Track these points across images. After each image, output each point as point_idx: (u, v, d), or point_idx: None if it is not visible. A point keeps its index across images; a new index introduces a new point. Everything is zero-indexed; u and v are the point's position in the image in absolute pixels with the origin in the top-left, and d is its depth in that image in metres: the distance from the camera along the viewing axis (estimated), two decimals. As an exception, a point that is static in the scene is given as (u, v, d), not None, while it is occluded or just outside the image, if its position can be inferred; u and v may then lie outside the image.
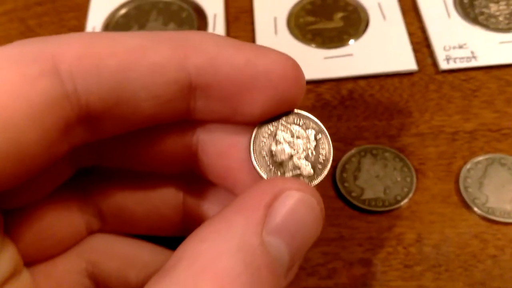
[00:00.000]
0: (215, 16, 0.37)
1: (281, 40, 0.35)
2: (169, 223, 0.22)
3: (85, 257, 0.21)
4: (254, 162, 0.18)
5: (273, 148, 0.18)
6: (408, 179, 0.28)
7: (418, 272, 0.25)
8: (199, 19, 0.37)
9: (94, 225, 0.21)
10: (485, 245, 0.26)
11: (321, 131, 0.19)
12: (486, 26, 0.33)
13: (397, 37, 0.34)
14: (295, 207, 0.16)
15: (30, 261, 0.19)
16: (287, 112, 0.19)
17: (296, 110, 0.19)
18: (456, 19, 0.34)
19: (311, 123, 0.19)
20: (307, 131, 0.19)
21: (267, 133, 0.18)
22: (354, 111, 0.31)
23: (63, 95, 0.15)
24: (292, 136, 0.19)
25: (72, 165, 0.19)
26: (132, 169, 0.21)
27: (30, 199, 0.19)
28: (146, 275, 0.21)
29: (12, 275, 0.18)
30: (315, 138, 0.19)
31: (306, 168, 0.19)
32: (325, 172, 0.19)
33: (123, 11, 0.38)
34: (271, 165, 0.18)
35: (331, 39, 0.34)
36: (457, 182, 0.28)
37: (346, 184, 0.28)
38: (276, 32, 0.35)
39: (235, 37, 0.36)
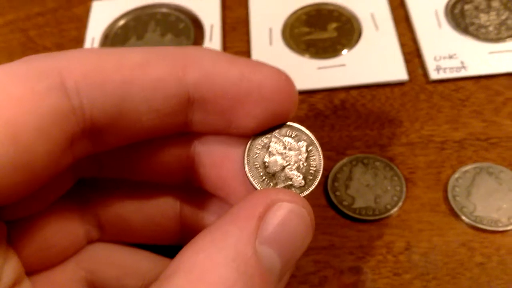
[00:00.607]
0: (211, 26, 0.38)
1: (276, 50, 0.36)
2: (167, 232, 0.23)
3: (84, 266, 0.22)
4: (248, 174, 0.19)
5: (266, 159, 0.19)
6: (398, 188, 0.29)
7: (407, 280, 0.26)
8: (196, 30, 0.38)
9: (93, 235, 0.22)
10: (472, 253, 0.26)
11: (312, 143, 0.20)
12: (476, 36, 0.34)
13: (389, 48, 0.34)
14: (286, 218, 0.17)
15: (31, 271, 0.20)
16: (280, 125, 0.19)
17: (288, 123, 0.19)
18: (447, 29, 0.35)
19: (303, 135, 0.20)
20: (299, 143, 0.19)
21: (261, 145, 0.19)
22: (346, 120, 0.32)
23: (70, 110, 0.16)
24: (285, 148, 0.19)
25: (74, 176, 0.20)
26: (131, 179, 0.21)
27: (33, 210, 0.19)
28: (144, 284, 0.22)
29: (14, 284, 0.18)
30: (307, 150, 0.19)
31: (297, 179, 0.19)
32: (316, 182, 0.19)
33: (122, 22, 0.39)
34: (264, 176, 0.19)
35: (325, 49, 0.35)
36: (445, 191, 0.28)
37: (337, 193, 0.29)
38: (271, 42, 0.36)
39: (231, 47, 0.37)
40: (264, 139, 0.19)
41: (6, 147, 0.15)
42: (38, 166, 0.16)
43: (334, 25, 0.36)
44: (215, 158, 0.20)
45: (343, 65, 0.34)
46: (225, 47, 0.37)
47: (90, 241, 0.22)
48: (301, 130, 0.20)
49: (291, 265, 0.18)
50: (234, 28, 0.38)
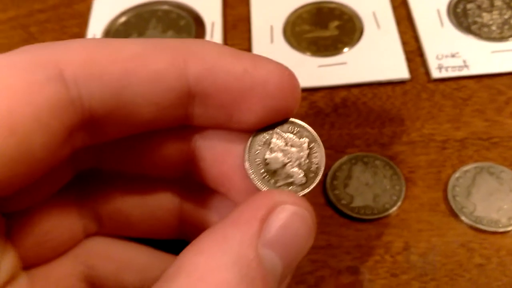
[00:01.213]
0: (213, 24, 0.38)
1: (277, 48, 0.35)
2: (166, 227, 0.22)
3: (82, 261, 0.22)
4: (248, 170, 0.19)
5: (267, 156, 0.19)
6: (398, 187, 0.28)
7: (404, 281, 0.26)
8: (197, 27, 0.38)
9: (91, 228, 0.22)
10: (471, 254, 0.26)
11: (314, 140, 0.19)
12: (478, 35, 0.34)
13: (390, 46, 0.34)
14: (289, 221, 0.17)
15: (28, 265, 0.20)
16: (283, 121, 0.19)
17: (291, 119, 0.19)
18: (449, 28, 0.34)
19: (305, 131, 0.19)
20: (301, 139, 0.19)
21: (262, 141, 0.19)
22: (346, 119, 0.32)
23: (68, 101, 0.16)
24: (286, 144, 0.19)
25: (72, 168, 0.20)
26: (130, 173, 0.21)
27: (31, 202, 0.19)
28: (142, 279, 0.22)
29: (11, 278, 0.18)
30: (308, 147, 0.19)
31: (299, 176, 0.19)
32: (317, 180, 0.19)
33: (123, 19, 0.39)
34: (265, 173, 0.19)
35: (326, 47, 0.35)
36: (445, 190, 0.28)
37: (336, 192, 0.29)
38: (272, 40, 0.36)
39: (232, 45, 0.37)
40: (265, 135, 0.19)
41: (4, 139, 0.15)
42: (36, 157, 0.16)
43: (335, 23, 0.36)
44: (216, 153, 0.20)
45: (344, 63, 0.34)
46: (226, 44, 0.36)
47: (88, 235, 0.22)
48: (303, 126, 0.19)
49: (293, 268, 0.18)
50: (235, 25, 0.38)
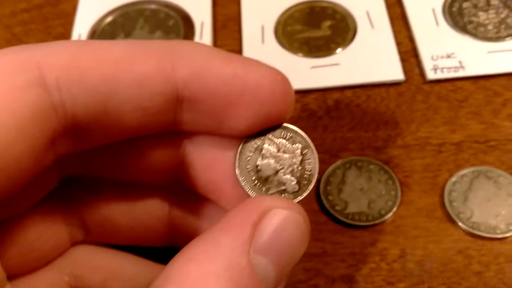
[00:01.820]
0: (202, 24, 0.37)
1: (268, 48, 0.34)
2: (155, 234, 0.22)
3: (68, 271, 0.21)
4: (239, 178, 0.18)
5: (259, 162, 0.18)
6: (393, 193, 0.28)
7: (401, 289, 0.25)
8: (186, 27, 0.37)
9: (78, 236, 0.21)
10: (469, 261, 0.25)
11: (307, 146, 0.19)
12: (474, 35, 0.33)
13: (384, 46, 0.33)
14: (281, 225, 0.16)
15: (12, 274, 0.19)
16: (275, 126, 0.18)
17: (284, 124, 0.18)
18: (445, 27, 0.33)
19: (298, 137, 0.19)
20: (293, 145, 0.18)
21: (253, 147, 0.18)
22: (340, 121, 0.31)
23: (50, 106, 0.15)
24: (278, 150, 0.18)
25: (57, 175, 0.19)
26: (117, 179, 0.20)
27: (15, 211, 0.18)
28: None
29: None
30: (301, 153, 0.18)
31: (291, 183, 0.18)
32: (310, 187, 0.18)
33: (109, 18, 0.38)
34: (256, 180, 0.18)
35: (318, 48, 0.34)
36: (442, 195, 0.27)
37: (330, 198, 0.28)
38: (263, 40, 0.35)
39: (222, 45, 0.36)
40: (257, 141, 0.18)
41: None
42: (17, 166, 0.15)
43: (328, 23, 0.35)
44: (206, 159, 0.19)
45: (337, 64, 0.33)
46: (216, 45, 0.36)
47: (75, 243, 0.21)
48: (296, 131, 0.18)
49: (286, 274, 0.17)
50: (225, 25, 0.37)
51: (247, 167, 0.18)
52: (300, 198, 0.18)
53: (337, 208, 0.27)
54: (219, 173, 0.19)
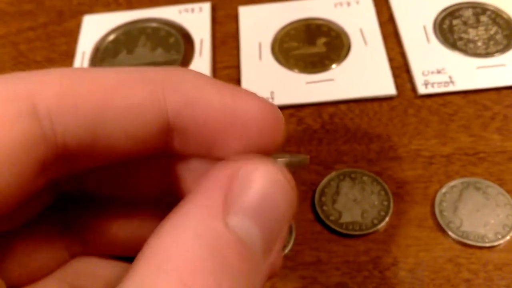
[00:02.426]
0: (201, 41, 0.38)
1: (265, 64, 0.36)
2: None
3: (69, 281, 0.21)
4: None
5: None
6: (385, 203, 0.28)
7: (393, 296, 0.26)
8: (186, 44, 0.38)
9: (77, 250, 0.22)
10: (459, 269, 0.26)
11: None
12: (464, 51, 0.34)
13: (377, 63, 0.34)
14: (258, 183, 0.15)
15: (12, 286, 0.19)
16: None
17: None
18: (435, 44, 0.35)
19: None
20: None
21: None
22: (334, 135, 0.32)
23: (41, 136, 0.16)
24: None
25: (52, 193, 0.20)
26: (112, 195, 0.21)
27: (7, 226, 0.19)
28: None
29: None
30: None
31: None
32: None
33: (112, 36, 0.39)
34: None
35: (314, 64, 0.35)
36: (432, 205, 0.28)
37: (324, 208, 0.29)
38: (260, 57, 0.36)
39: (221, 61, 0.37)
40: None
41: None
42: (5, 194, 0.15)
43: (323, 40, 0.36)
44: (197, 175, 0.20)
45: (332, 79, 0.34)
46: (215, 61, 0.37)
47: (74, 255, 0.22)
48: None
49: (276, 238, 0.16)
50: (224, 42, 0.38)
51: None
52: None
53: (332, 218, 0.28)
54: None
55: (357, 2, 0.38)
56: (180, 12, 0.40)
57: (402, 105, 0.33)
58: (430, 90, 0.32)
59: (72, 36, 0.40)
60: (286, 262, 0.27)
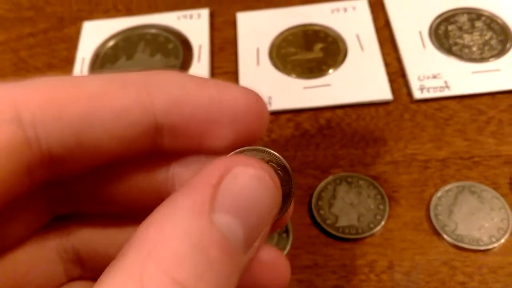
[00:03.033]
0: (200, 47, 0.38)
1: (263, 70, 0.36)
2: None
3: None
4: None
5: None
6: (381, 207, 0.29)
7: (389, 299, 0.26)
8: (185, 50, 0.38)
9: (74, 272, 0.21)
10: (454, 272, 0.26)
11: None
12: (459, 56, 0.34)
13: (374, 68, 0.35)
14: (244, 182, 0.16)
15: None
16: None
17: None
18: (431, 49, 0.35)
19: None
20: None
21: None
22: (331, 139, 0.32)
23: (25, 143, 0.16)
24: None
25: (47, 213, 0.20)
26: (109, 212, 0.21)
27: (3, 245, 0.19)
28: None
29: None
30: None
31: None
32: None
33: (111, 42, 0.40)
34: None
35: (311, 69, 0.35)
36: (428, 209, 0.28)
37: (321, 212, 0.29)
38: (258, 62, 0.37)
39: (220, 67, 0.37)
40: None
41: None
42: None
43: (320, 45, 0.37)
44: (191, 174, 0.20)
45: (329, 85, 0.34)
46: (213, 67, 0.37)
47: (71, 279, 0.22)
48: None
49: (259, 234, 0.17)
50: (222, 48, 0.38)
51: None
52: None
53: (328, 222, 0.29)
54: None
55: (354, 8, 0.38)
56: (179, 18, 0.40)
57: (398, 110, 0.33)
58: (426, 95, 0.33)
59: (72, 42, 0.40)
60: (283, 266, 0.27)
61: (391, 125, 0.32)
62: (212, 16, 0.40)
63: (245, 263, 0.16)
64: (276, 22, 0.39)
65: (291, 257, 0.28)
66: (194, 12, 0.41)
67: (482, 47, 0.35)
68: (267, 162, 0.19)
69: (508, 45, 0.35)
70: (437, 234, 0.28)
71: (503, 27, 0.36)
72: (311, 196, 0.30)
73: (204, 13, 0.40)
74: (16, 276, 0.19)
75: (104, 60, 0.39)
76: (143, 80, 0.17)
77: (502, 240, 0.27)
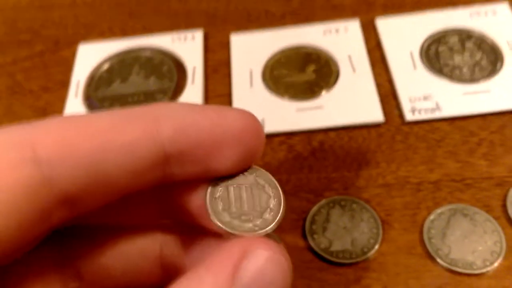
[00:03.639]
0: (194, 69, 0.39)
1: (256, 92, 0.36)
2: (148, 275, 0.22)
3: None
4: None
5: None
6: (375, 230, 0.29)
7: (382, 324, 0.26)
8: (179, 72, 0.39)
9: (72, 284, 0.22)
10: (447, 296, 0.27)
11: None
12: (450, 77, 0.35)
13: (365, 89, 0.35)
14: (263, 265, 0.17)
15: None
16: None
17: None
18: (422, 70, 0.35)
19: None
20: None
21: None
22: (324, 162, 0.32)
23: (42, 183, 0.16)
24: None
25: (47, 227, 0.20)
26: (108, 225, 0.22)
27: (1, 262, 0.19)
28: None
29: None
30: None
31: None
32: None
33: (106, 65, 0.40)
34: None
35: (303, 91, 0.36)
36: (421, 232, 0.29)
37: (315, 236, 0.29)
38: (251, 84, 0.37)
39: (213, 89, 0.38)
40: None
41: None
42: (7, 241, 0.16)
43: (312, 67, 0.37)
44: (197, 203, 0.20)
45: (321, 107, 0.35)
46: (207, 89, 0.38)
47: None
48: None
49: None
50: (216, 70, 0.39)
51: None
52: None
53: (322, 246, 0.29)
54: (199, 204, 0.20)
55: (346, 29, 0.39)
56: (173, 40, 0.41)
57: (390, 132, 0.33)
58: (417, 116, 0.33)
59: (68, 65, 0.41)
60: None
61: (383, 147, 0.32)
62: (206, 37, 0.41)
63: None
64: (269, 43, 0.39)
65: (286, 282, 0.28)
66: (189, 34, 0.41)
67: (473, 67, 0.35)
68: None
69: (498, 65, 0.35)
70: (431, 258, 0.28)
71: (493, 48, 0.36)
72: (304, 220, 0.30)
73: (198, 35, 0.41)
74: None
75: (98, 83, 0.39)
76: (148, 113, 0.18)
77: (496, 264, 0.27)
